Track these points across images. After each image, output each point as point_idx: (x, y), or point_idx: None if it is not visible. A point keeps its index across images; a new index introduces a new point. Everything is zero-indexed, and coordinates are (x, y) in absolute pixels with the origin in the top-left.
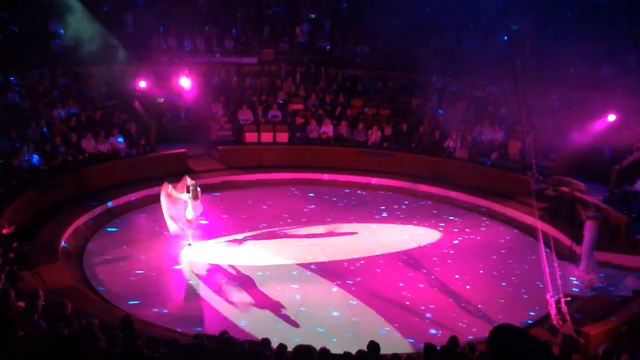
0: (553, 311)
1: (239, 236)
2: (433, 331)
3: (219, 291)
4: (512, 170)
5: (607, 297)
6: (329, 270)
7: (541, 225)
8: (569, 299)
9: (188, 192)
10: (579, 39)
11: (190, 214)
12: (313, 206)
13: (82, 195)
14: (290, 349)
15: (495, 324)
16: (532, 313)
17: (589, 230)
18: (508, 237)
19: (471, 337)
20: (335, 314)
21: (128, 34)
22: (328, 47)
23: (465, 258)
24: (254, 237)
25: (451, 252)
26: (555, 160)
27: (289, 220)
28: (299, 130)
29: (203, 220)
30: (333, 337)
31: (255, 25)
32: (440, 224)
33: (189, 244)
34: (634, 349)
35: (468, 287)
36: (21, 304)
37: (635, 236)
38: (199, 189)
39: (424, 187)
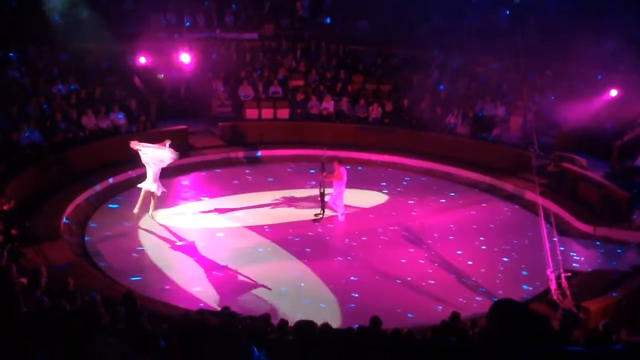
0: (553, 286)
1: (240, 213)
2: (434, 306)
3: (220, 267)
4: (514, 146)
5: (607, 272)
6: (330, 246)
7: (542, 201)
8: (569, 274)
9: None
10: (581, 14)
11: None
12: (314, 182)
13: (83, 171)
14: (291, 324)
15: (496, 299)
16: (531, 288)
17: None
18: (509, 213)
19: (472, 312)
20: (336, 289)
21: (127, 10)
22: (328, 22)
23: (466, 234)
24: (255, 214)
25: (452, 227)
26: (556, 136)
27: (290, 197)
28: (300, 107)
29: (204, 196)
30: (334, 313)
31: (256, 0)
32: (441, 200)
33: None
34: (634, 324)
35: (469, 262)
36: (23, 280)
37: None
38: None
39: (424, 164)
